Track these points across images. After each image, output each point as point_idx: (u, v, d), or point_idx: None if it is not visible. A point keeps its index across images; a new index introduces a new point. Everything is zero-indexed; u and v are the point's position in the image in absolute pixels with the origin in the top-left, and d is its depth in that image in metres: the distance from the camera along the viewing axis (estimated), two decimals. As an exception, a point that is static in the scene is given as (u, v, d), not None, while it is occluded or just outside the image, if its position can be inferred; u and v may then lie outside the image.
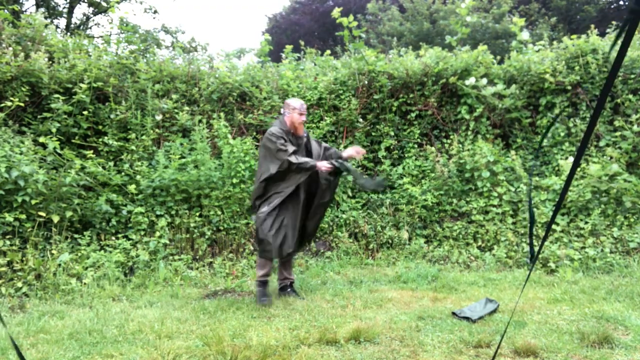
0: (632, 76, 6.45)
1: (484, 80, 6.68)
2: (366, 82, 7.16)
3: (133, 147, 6.08)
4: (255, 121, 6.87)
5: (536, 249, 5.47)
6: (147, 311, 4.00)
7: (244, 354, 2.92)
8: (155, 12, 19.14)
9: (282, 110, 4.41)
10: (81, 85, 5.94)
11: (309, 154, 4.47)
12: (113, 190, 5.65)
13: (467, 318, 3.62)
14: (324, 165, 4.19)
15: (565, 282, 4.68)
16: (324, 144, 4.64)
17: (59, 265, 4.67)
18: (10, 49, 6.02)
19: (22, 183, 4.79)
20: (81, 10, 23.08)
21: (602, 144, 6.40)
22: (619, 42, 1.14)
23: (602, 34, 7.94)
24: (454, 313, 3.73)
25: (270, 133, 4.23)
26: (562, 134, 6.51)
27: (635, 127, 6.16)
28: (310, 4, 25.57)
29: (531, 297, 4.26)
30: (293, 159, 4.11)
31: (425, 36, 18.18)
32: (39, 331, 3.45)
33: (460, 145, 6.62)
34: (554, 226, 5.67)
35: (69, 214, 5.04)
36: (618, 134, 6.29)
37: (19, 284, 4.42)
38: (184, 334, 3.38)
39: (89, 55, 6.63)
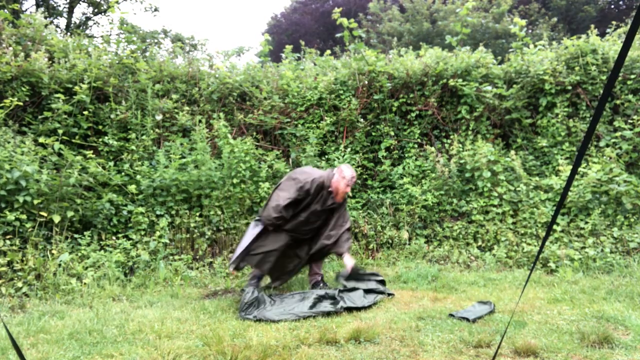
0: (632, 76, 6.45)
1: (489, 87, 6.71)
2: (366, 82, 7.16)
3: (133, 147, 6.08)
4: (255, 121, 6.87)
5: (537, 249, 5.47)
6: (147, 311, 4.00)
7: (244, 354, 2.92)
8: (155, 9, 19.10)
9: (334, 170, 4.50)
10: (81, 85, 5.94)
11: (327, 219, 4.54)
12: (113, 190, 5.66)
13: (465, 318, 3.62)
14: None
15: (565, 282, 4.67)
16: (341, 219, 4.59)
17: (59, 265, 4.67)
18: (10, 49, 6.02)
19: (24, 183, 4.79)
20: (81, 10, 23.06)
21: (602, 144, 6.39)
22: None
23: (602, 34, 7.94)
24: (451, 315, 3.73)
25: (301, 179, 4.38)
26: (563, 134, 6.51)
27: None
28: (310, 3, 25.58)
29: (531, 297, 4.26)
30: (280, 210, 4.29)
31: (425, 36, 18.19)
32: (39, 331, 3.45)
33: (461, 145, 6.62)
34: (554, 226, 5.66)
35: (70, 214, 5.04)
36: (618, 134, 6.29)
37: (19, 284, 4.42)
38: (184, 334, 3.38)
39: (89, 55, 6.63)
